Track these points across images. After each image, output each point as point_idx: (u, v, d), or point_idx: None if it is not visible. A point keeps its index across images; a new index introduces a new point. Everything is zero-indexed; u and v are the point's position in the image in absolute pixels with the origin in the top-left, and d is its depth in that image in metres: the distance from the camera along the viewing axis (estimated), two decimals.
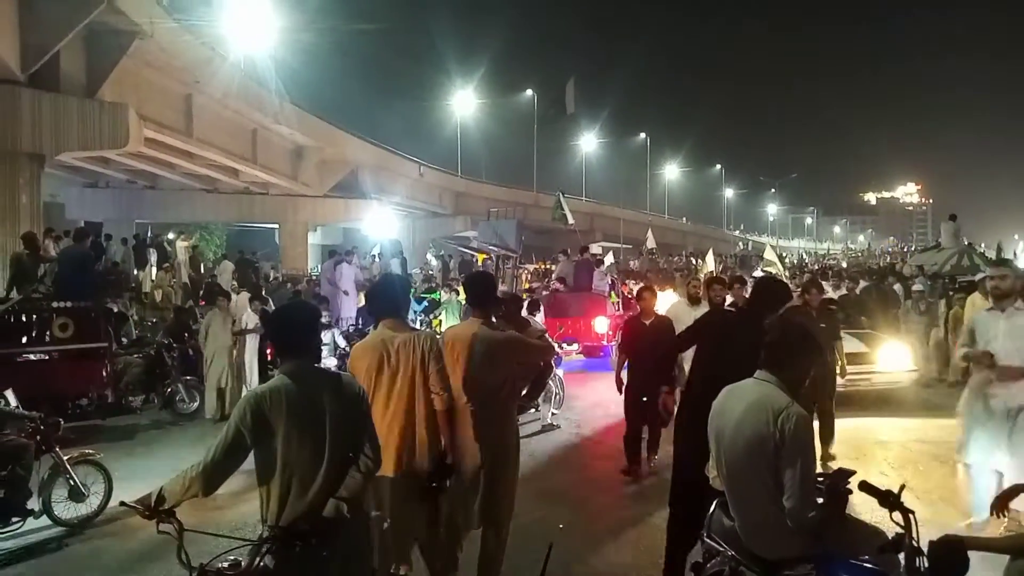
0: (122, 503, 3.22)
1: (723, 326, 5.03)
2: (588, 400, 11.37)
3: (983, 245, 37.66)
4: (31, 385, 9.43)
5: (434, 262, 30.36)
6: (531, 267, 29.61)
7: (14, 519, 6.06)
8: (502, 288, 16.36)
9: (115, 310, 12.70)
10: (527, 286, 21.44)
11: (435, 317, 16.21)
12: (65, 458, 6.50)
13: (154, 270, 21.22)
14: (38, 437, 6.36)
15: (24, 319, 9.83)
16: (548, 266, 30.11)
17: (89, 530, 6.41)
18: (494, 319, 4.88)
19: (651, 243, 33.68)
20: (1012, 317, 5.45)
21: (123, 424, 10.28)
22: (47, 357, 9.67)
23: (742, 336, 4.41)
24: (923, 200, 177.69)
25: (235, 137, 27.13)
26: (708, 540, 3.56)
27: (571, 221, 24.11)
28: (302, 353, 3.32)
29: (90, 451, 7.01)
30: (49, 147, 17.06)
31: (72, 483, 6.46)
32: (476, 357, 4.48)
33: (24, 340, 9.66)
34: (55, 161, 19.44)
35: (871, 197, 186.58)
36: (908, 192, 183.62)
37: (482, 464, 4.48)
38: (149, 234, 27.89)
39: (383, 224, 34.17)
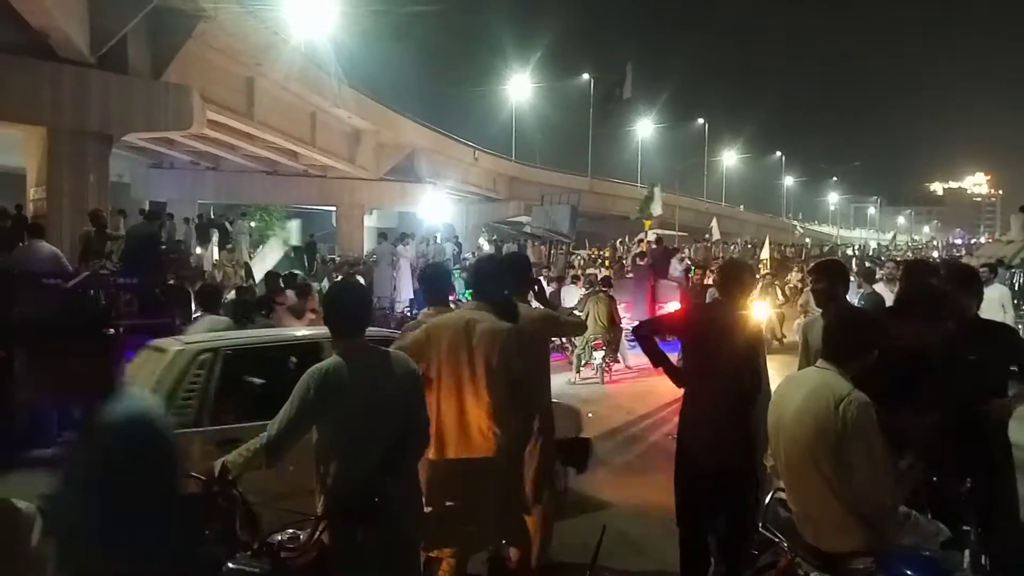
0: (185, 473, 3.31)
1: (706, 320, 4.67)
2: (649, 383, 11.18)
3: None
4: None
5: (487, 247, 30.45)
6: (583, 253, 29.55)
7: None
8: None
9: (184, 287, 13.03)
10: (579, 272, 21.53)
11: None
12: None
13: (216, 250, 21.71)
14: None
15: (92, 294, 10.15)
16: (600, 252, 30.10)
17: None
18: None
19: (716, 234, 32.45)
20: None
21: None
22: (112, 331, 9.98)
23: (724, 327, 4.26)
24: (992, 191, 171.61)
25: (294, 120, 27.51)
26: (763, 531, 3.51)
27: (657, 212, 23.96)
28: (355, 332, 3.34)
29: None
30: (116, 128, 17.52)
31: None
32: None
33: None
34: (122, 142, 19.97)
35: (937, 187, 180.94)
36: (976, 182, 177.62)
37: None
38: (211, 214, 28.53)
39: (437, 208, 34.37)
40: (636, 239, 30.75)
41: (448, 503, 3.97)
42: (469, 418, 4.02)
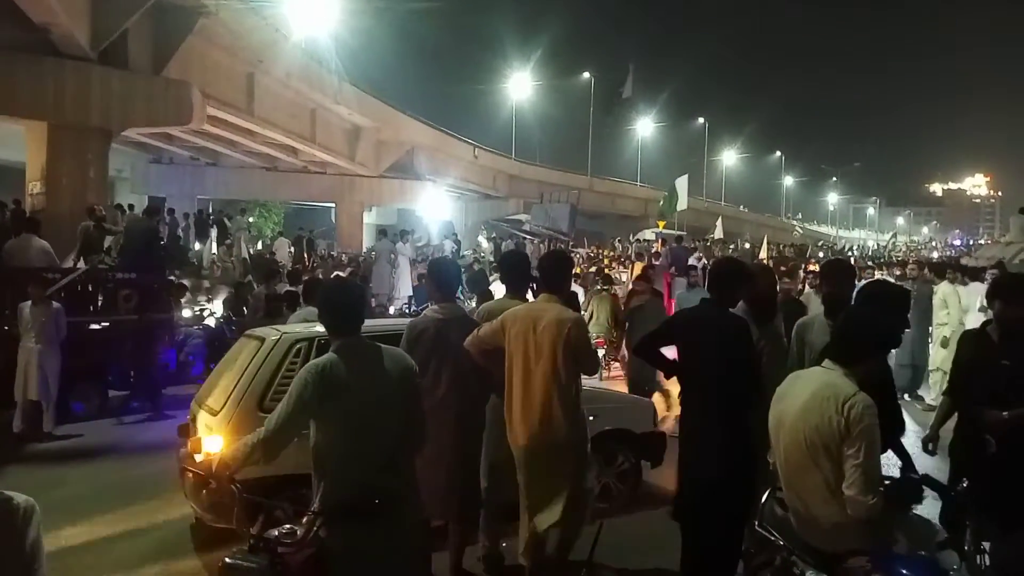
0: (184, 467, 3.31)
1: (692, 323, 4.45)
2: None
3: None
4: (97, 353, 9.75)
5: (486, 244, 30.41)
6: (583, 251, 29.55)
7: None
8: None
9: (175, 281, 13.02)
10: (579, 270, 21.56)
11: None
12: None
13: (214, 245, 21.69)
14: None
15: (91, 289, 10.13)
16: (601, 251, 30.11)
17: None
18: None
19: (719, 233, 32.36)
20: None
21: (184, 393, 10.51)
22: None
23: (710, 329, 4.15)
24: (992, 192, 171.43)
25: (295, 116, 27.50)
26: (759, 529, 3.50)
27: (683, 207, 23.92)
28: (351, 329, 3.35)
29: None
30: (116, 123, 17.51)
31: None
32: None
33: (91, 309, 9.97)
34: (121, 137, 19.94)
35: (936, 188, 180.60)
36: (976, 184, 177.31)
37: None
38: (211, 210, 28.51)
39: (437, 205, 34.32)
40: (635, 237, 30.76)
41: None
42: (533, 403, 4.22)
